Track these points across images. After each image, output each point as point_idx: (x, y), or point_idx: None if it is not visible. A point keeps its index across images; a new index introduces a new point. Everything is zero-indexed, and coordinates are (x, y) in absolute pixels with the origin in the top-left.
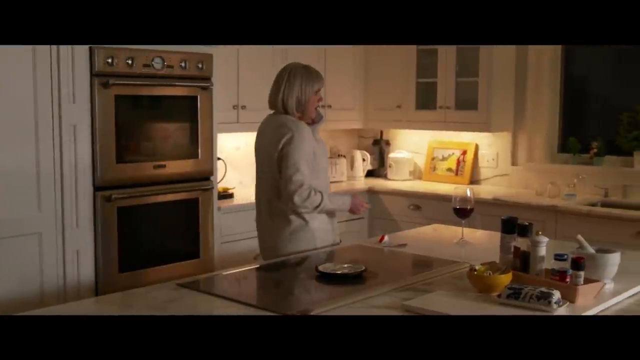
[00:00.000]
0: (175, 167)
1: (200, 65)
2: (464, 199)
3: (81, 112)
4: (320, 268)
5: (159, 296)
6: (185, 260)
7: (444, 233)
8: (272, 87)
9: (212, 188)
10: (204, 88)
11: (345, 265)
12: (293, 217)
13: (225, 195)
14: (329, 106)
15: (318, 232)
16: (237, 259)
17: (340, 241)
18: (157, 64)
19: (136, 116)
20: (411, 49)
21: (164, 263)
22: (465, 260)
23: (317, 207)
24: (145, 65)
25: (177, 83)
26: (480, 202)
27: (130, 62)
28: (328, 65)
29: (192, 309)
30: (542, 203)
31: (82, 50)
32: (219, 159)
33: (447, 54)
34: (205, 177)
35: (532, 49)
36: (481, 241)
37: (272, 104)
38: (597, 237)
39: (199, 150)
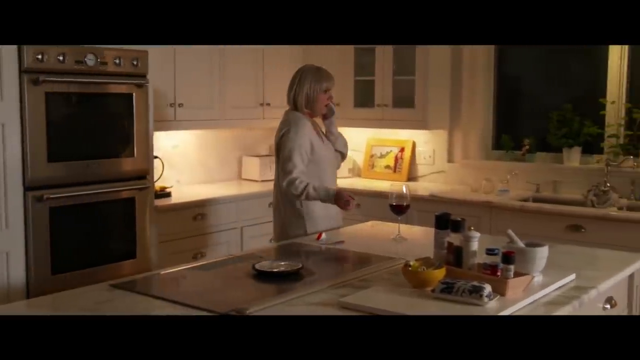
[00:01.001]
0: (110, 165)
1: (135, 63)
2: (400, 196)
3: (10, 110)
4: (257, 266)
5: (92, 297)
6: (122, 260)
7: (381, 229)
8: (288, 85)
9: (149, 187)
10: (139, 85)
11: (283, 263)
12: (297, 203)
13: (163, 194)
14: (267, 104)
15: (319, 218)
16: (175, 259)
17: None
18: (90, 60)
19: (68, 114)
20: (349, 48)
21: (99, 264)
22: (402, 256)
23: (300, 194)
24: (77, 62)
25: (111, 80)
26: (417, 199)
27: (61, 58)
28: (266, 63)
29: (126, 310)
30: (477, 199)
31: (10, 46)
32: (155, 157)
33: (384, 53)
34: (141, 175)
35: (467, 50)
36: (417, 237)
37: (287, 101)
38: (530, 232)
39: (135, 149)
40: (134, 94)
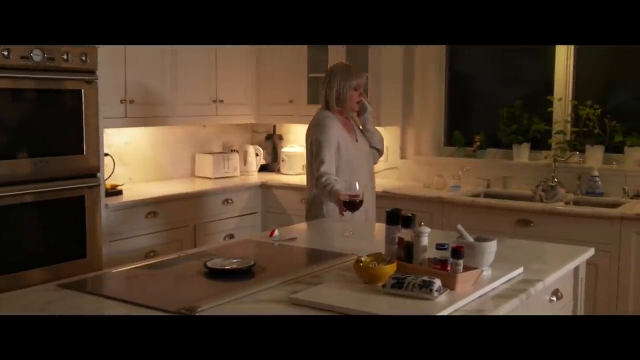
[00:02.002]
0: (58, 163)
1: (83, 58)
2: (353, 192)
3: None
4: (209, 264)
5: (39, 298)
6: (70, 260)
7: (334, 226)
8: (320, 85)
9: (99, 185)
10: (88, 82)
11: (234, 261)
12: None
13: (114, 192)
14: (221, 101)
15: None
16: (127, 258)
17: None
18: (37, 55)
19: (14, 110)
20: (302, 46)
21: (47, 264)
22: (353, 252)
23: (322, 193)
24: (23, 57)
25: (59, 76)
26: None
27: (6, 53)
28: (219, 59)
29: (75, 310)
30: (429, 195)
31: None
32: (106, 154)
33: (337, 51)
34: (91, 173)
35: (419, 48)
36: (370, 233)
37: (319, 100)
38: (481, 226)
39: (84, 146)
40: (83, 90)
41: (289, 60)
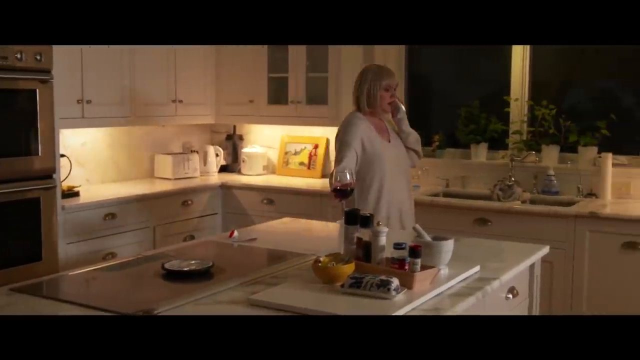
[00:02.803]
0: (12, 164)
1: (38, 57)
2: (344, 179)
3: None
4: (167, 266)
5: None
6: (25, 264)
7: (294, 226)
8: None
9: (55, 187)
10: (43, 81)
11: (193, 262)
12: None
13: (71, 193)
14: (180, 101)
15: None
16: (84, 260)
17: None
18: None
19: None
20: (262, 45)
21: (2, 268)
22: (313, 252)
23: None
24: None
25: (12, 75)
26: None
27: None
28: (178, 59)
29: (29, 314)
30: None
31: None
32: (62, 155)
33: (297, 51)
34: (47, 175)
35: (379, 48)
36: (331, 233)
37: (353, 102)
38: (440, 226)
39: (39, 147)
40: (37, 89)
41: (249, 60)
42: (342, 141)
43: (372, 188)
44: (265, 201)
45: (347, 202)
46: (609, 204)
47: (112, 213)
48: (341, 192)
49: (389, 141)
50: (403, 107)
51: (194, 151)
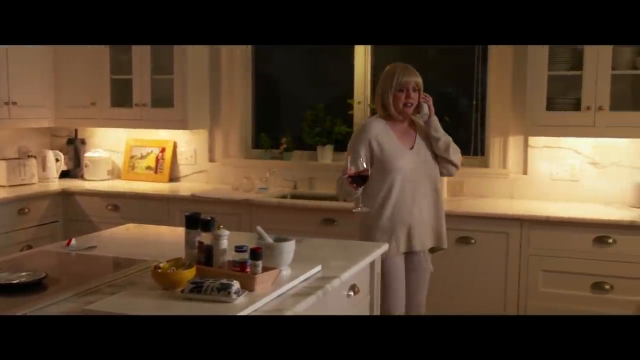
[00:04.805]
0: None
1: None
2: (359, 165)
3: None
4: None
5: None
6: None
7: (138, 232)
8: None
9: None
10: None
11: (24, 274)
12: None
13: None
14: (14, 103)
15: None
16: None
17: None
18: None
19: None
20: (104, 46)
21: None
22: (155, 258)
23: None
24: None
25: None
26: (179, 199)
27: None
28: (10, 59)
29: None
30: (237, 197)
31: None
32: None
33: (141, 52)
34: None
35: (224, 49)
36: (178, 238)
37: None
38: (288, 227)
39: None
40: None
41: (90, 61)
42: (349, 147)
43: (376, 198)
44: (110, 207)
45: (357, 205)
46: (445, 201)
47: None
48: (357, 179)
49: (411, 148)
50: (426, 109)
51: (31, 156)
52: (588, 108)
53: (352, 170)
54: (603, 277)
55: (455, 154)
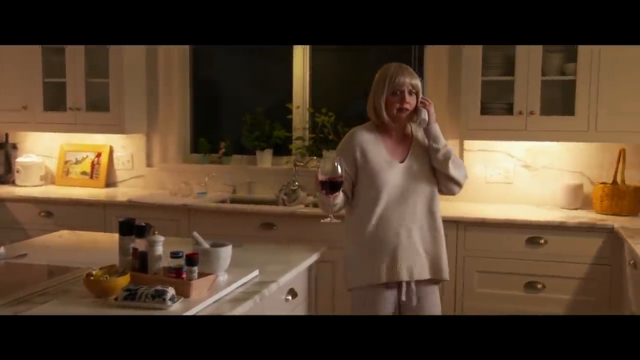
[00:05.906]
0: None
1: None
2: (333, 170)
3: None
4: None
5: None
6: None
7: (72, 239)
8: None
9: None
10: None
11: None
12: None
13: None
14: None
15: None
16: None
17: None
18: None
19: None
20: (36, 47)
21: None
22: (88, 265)
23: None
24: None
25: None
26: (116, 205)
27: None
28: None
29: None
30: (175, 202)
31: None
32: None
33: (75, 54)
34: None
35: (162, 50)
36: (113, 245)
37: None
38: (227, 232)
39: None
40: None
41: (21, 63)
42: (339, 153)
43: (360, 213)
44: (43, 214)
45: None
46: None
47: None
48: (326, 184)
49: (402, 161)
50: (425, 115)
51: None
52: (520, 112)
53: (322, 176)
54: (535, 277)
55: (456, 169)
